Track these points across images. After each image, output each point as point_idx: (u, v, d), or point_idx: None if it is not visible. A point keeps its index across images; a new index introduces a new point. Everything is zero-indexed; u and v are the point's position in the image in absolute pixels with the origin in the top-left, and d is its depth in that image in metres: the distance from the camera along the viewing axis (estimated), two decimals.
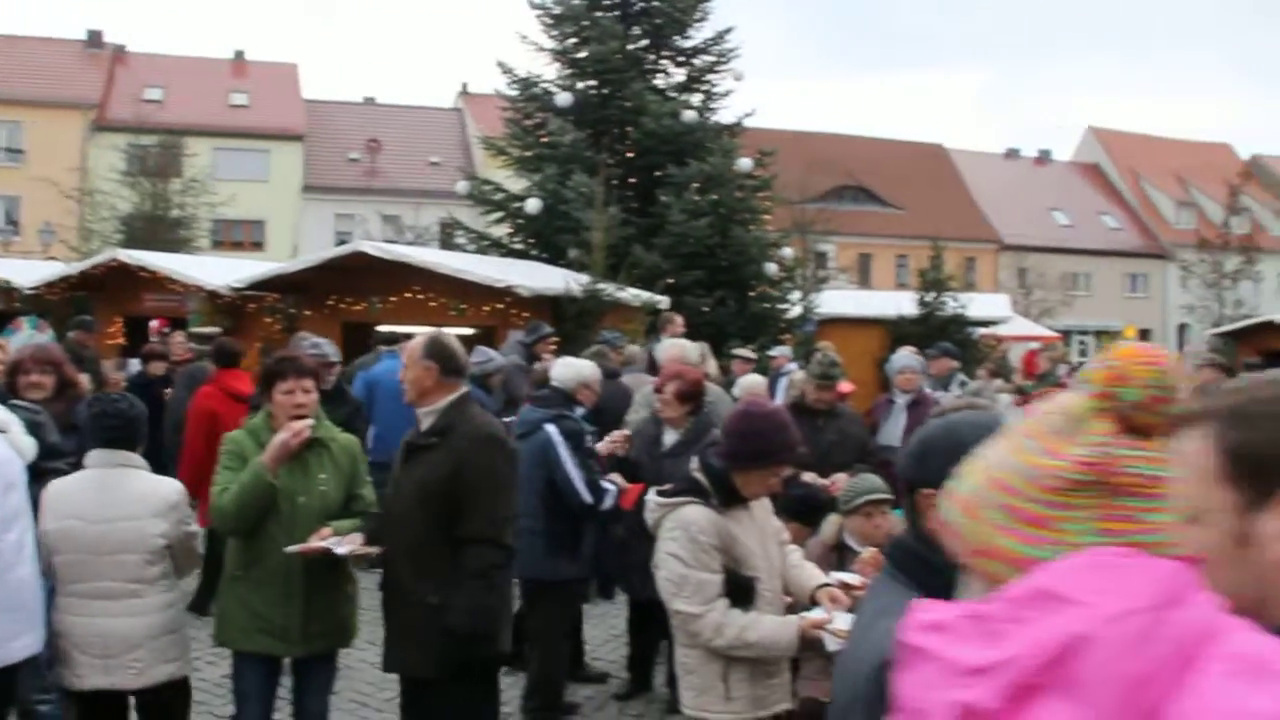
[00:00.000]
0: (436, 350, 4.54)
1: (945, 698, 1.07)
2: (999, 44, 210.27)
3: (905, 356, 8.65)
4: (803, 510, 5.37)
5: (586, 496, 5.92)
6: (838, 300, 24.90)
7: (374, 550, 4.53)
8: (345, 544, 4.49)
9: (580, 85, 18.46)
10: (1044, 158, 67.20)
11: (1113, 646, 1.03)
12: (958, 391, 8.99)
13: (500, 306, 12.62)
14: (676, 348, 8.11)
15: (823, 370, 7.49)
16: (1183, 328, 58.04)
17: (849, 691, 1.99)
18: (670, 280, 15.45)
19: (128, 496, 4.46)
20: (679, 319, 11.32)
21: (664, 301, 14.10)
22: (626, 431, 6.88)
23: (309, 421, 4.61)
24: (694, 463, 3.98)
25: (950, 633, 1.12)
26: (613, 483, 6.16)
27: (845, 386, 9.33)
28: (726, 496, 3.84)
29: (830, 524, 5.15)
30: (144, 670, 4.43)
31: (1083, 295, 57.36)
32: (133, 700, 4.66)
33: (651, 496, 4.03)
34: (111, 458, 4.49)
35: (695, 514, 3.79)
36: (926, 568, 2.09)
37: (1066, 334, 41.40)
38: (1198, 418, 1.25)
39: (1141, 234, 62.82)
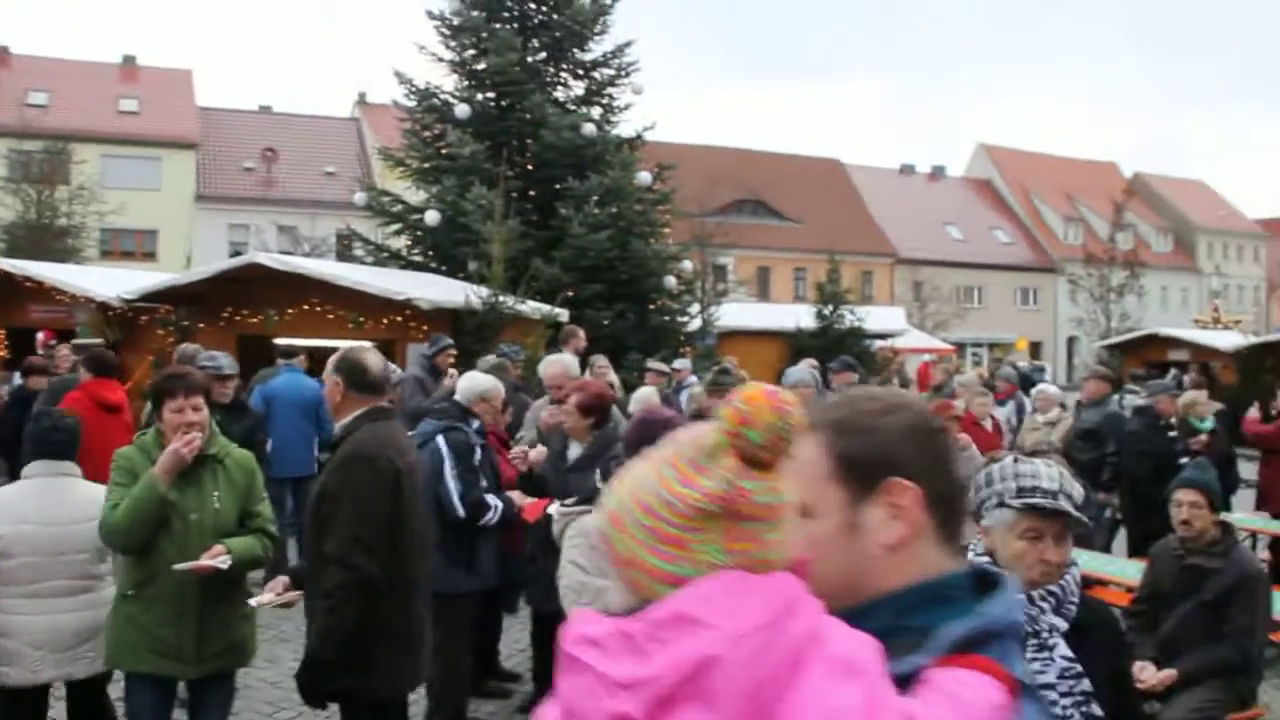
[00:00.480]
0: (344, 365, 4.51)
1: (599, 706, 1.25)
2: (895, 62, 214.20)
3: (799, 370, 8.75)
4: None
5: (459, 510, 5.89)
6: (737, 313, 25.16)
7: (294, 597, 4.46)
8: (264, 595, 4.51)
9: (479, 97, 18.39)
10: (938, 174, 68.61)
11: (738, 661, 1.23)
12: None
13: (399, 319, 12.51)
14: (558, 364, 8.10)
15: (714, 378, 7.60)
16: (1071, 340, 59.65)
17: None
18: (570, 293, 15.46)
19: (73, 501, 4.86)
20: (581, 332, 11.34)
21: (564, 314, 14.10)
22: (524, 448, 6.87)
23: (199, 434, 4.55)
24: (597, 475, 3.99)
25: (603, 648, 1.29)
26: (505, 499, 6.14)
27: None
28: None
29: None
30: (95, 659, 4.80)
31: (976, 308, 58.62)
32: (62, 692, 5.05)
33: (555, 508, 4.04)
34: (55, 468, 4.92)
35: (595, 523, 3.79)
36: None
37: (960, 346, 42.36)
38: (811, 428, 1.48)
39: (1032, 249, 64.43)
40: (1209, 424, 10.68)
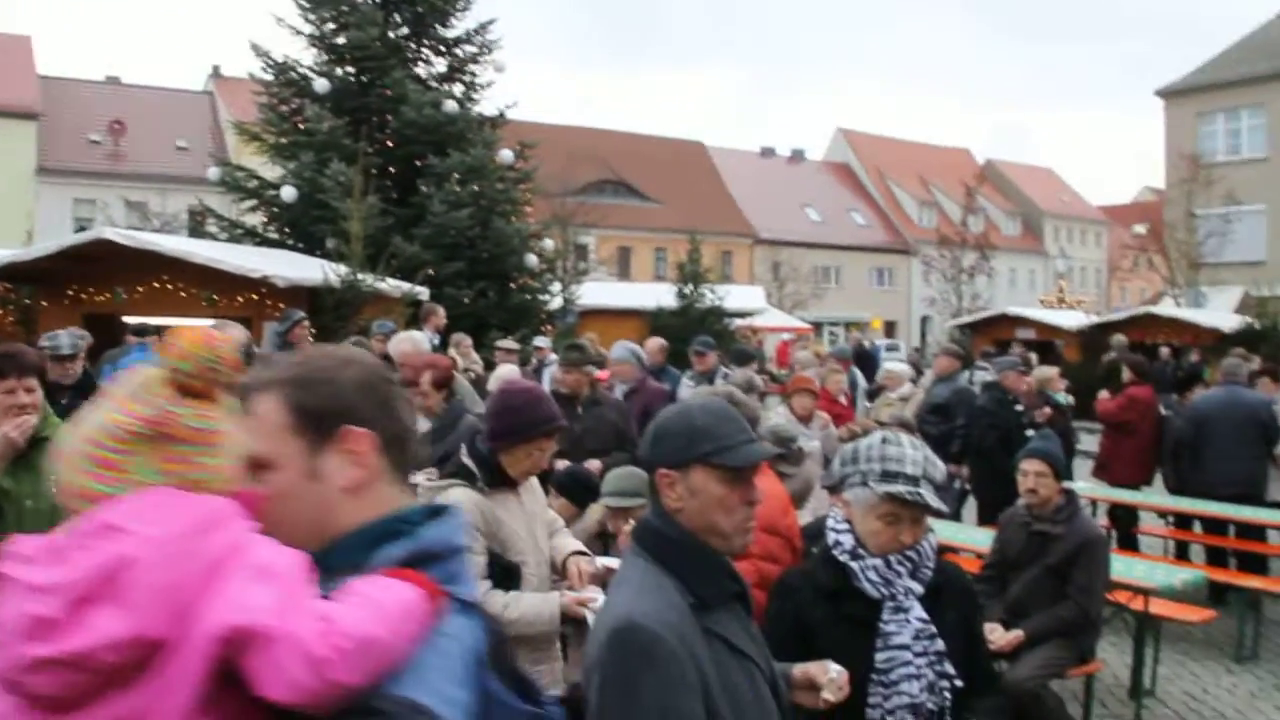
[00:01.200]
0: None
1: (18, 610, 1.31)
2: (759, 49, 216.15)
3: (618, 348, 8.90)
4: (573, 488, 5.47)
5: None
6: (598, 292, 25.26)
7: None
8: None
9: (339, 72, 18.11)
10: (797, 157, 69.57)
11: (153, 564, 1.33)
12: (720, 384, 9.26)
13: (255, 297, 12.27)
14: (408, 341, 8.09)
15: (565, 353, 7.66)
16: (925, 319, 61.10)
17: (588, 658, 2.17)
18: (431, 271, 15.34)
19: None
20: (440, 310, 11.29)
21: (424, 293, 13.99)
22: None
23: (31, 417, 4.38)
24: (463, 448, 4.01)
25: (31, 561, 1.36)
26: None
27: (601, 374, 9.50)
28: (493, 478, 3.87)
29: (595, 511, 5.26)
30: None
31: (833, 288, 59.70)
32: None
33: (419, 481, 4.05)
34: None
35: (459, 496, 3.80)
36: (664, 542, 2.26)
37: (818, 325, 43.09)
38: (268, 385, 1.59)
39: (888, 231, 65.82)
40: (1066, 399, 11.20)
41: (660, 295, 21.42)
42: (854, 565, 3.12)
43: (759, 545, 3.60)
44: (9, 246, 16.45)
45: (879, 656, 3.03)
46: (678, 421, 2.32)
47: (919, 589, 3.10)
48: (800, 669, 2.70)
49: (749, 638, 2.33)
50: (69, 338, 7.10)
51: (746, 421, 2.38)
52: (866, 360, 18.72)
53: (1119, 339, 19.80)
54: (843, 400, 11.12)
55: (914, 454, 3.08)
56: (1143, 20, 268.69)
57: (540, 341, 14.38)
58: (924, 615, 3.07)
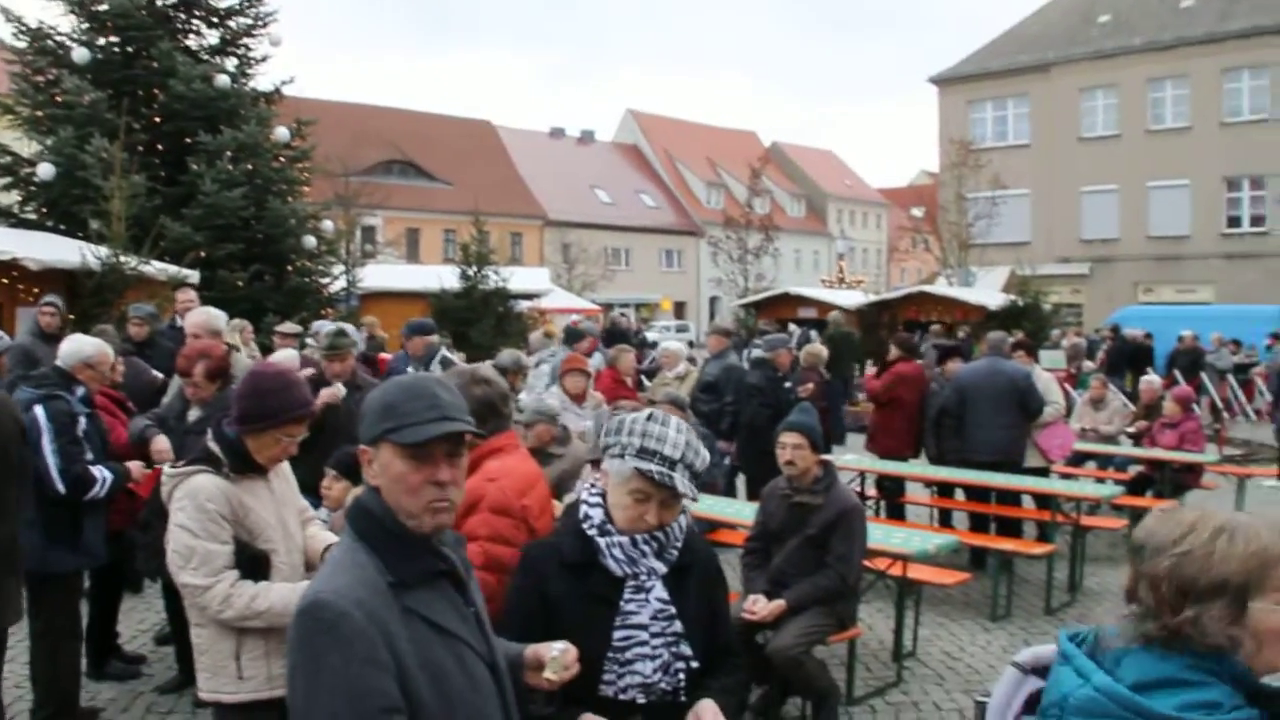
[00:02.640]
0: None
1: None
2: (549, 30, 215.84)
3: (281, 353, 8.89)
4: (352, 468, 5.34)
5: (59, 486, 5.56)
6: (383, 274, 24.84)
7: None
8: None
9: (101, 41, 17.12)
10: (587, 138, 69.87)
11: None
12: (436, 368, 9.24)
13: (5, 282, 11.55)
14: (204, 314, 7.75)
15: (329, 341, 7.47)
16: (714, 300, 62.29)
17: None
18: (202, 254, 14.73)
19: None
20: (191, 293, 10.80)
21: (193, 276, 13.44)
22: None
23: None
24: (209, 433, 3.84)
25: None
26: (115, 469, 5.82)
27: (384, 357, 9.32)
28: (240, 464, 3.74)
29: (357, 490, 5.15)
30: None
31: (623, 270, 60.23)
32: None
33: (166, 469, 3.88)
34: None
35: (204, 482, 3.68)
36: (367, 520, 2.26)
37: (609, 306, 43.30)
38: None
39: (677, 212, 66.80)
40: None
41: (445, 278, 21.13)
42: (600, 541, 3.10)
43: (487, 526, 3.55)
44: None
45: (616, 635, 3.03)
46: (374, 399, 2.33)
47: (662, 569, 3.10)
48: (531, 649, 2.68)
49: (459, 618, 2.29)
50: None
51: (452, 400, 2.32)
52: (621, 339, 18.90)
53: (835, 316, 20.70)
54: (628, 381, 11.23)
55: (676, 436, 3.07)
56: (921, 11, 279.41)
57: (318, 325, 13.98)
58: (665, 596, 3.08)
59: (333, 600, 2.05)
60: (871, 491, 10.81)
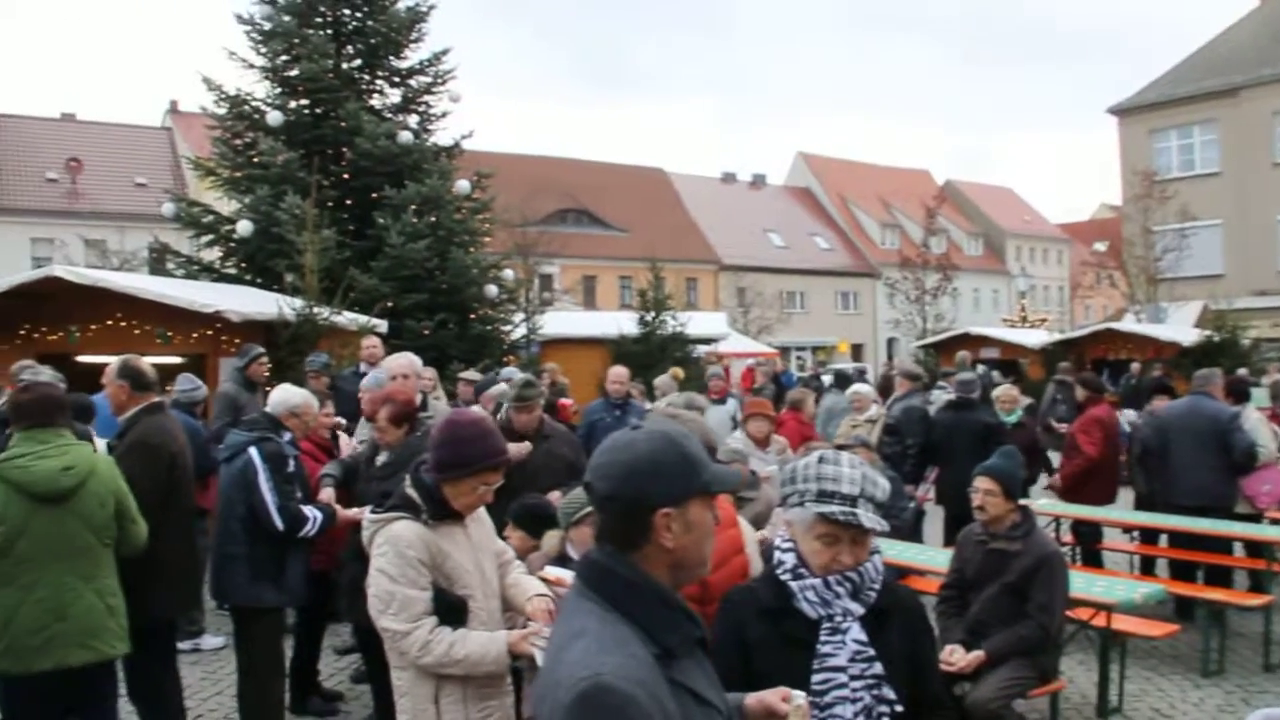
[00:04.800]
0: (128, 370, 5.74)
1: None
2: (720, 78, 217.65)
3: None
4: (529, 519, 5.39)
5: (278, 523, 5.74)
6: (562, 321, 25.17)
7: None
8: None
9: (292, 104, 17.97)
10: (759, 182, 69.85)
11: None
12: (663, 405, 9.20)
13: (209, 333, 12.08)
14: (405, 358, 7.91)
15: (517, 392, 7.46)
16: (891, 341, 61.35)
17: (547, 714, 1.97)
18: (389, 303, 15.19)
19: None
20: (374, 340, 11.07)
21: (382, 325, 13.83)
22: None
23: None
24: (406, 479, 3.90)
25: None
26: (325, 509, 5.99)
27: (565, 402, 9.38)
28: (438, 510, 3.77)
29: (552, 538, 5.18)
30: None
31: (799, 313, 59.86)
32: None
33: (365, 514, 3.94)
34: None
35: (404, 529, 3.72)
36: (624, 588, 2.07)
37: (785, 350, 43.10)
38: None
39: (851, 254, 66.11)
40: (1015, 417, 11.13)
41: (623, 323, 21.33)
42: (793, 585, 3.06)
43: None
44: None
45: (815, 678, 2.97)
46: (668, 452, 2.13)
47: (859, 610, 3.04)
48: (755, 699, 2.58)
49: (709, 684, 2.17)
50: (49, 376, 6.95)
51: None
52: (777, 384, 18.67)
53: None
54: (810, 424, 11.16)
55: (851, 473, 3.02)
56: (1089, 42, 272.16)
57: (512, 373, 14.22)
58: (862, 637, 3.01)
59: (617, 684, 1.89)
60: (1067, 537, 10.36)
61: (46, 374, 7.06)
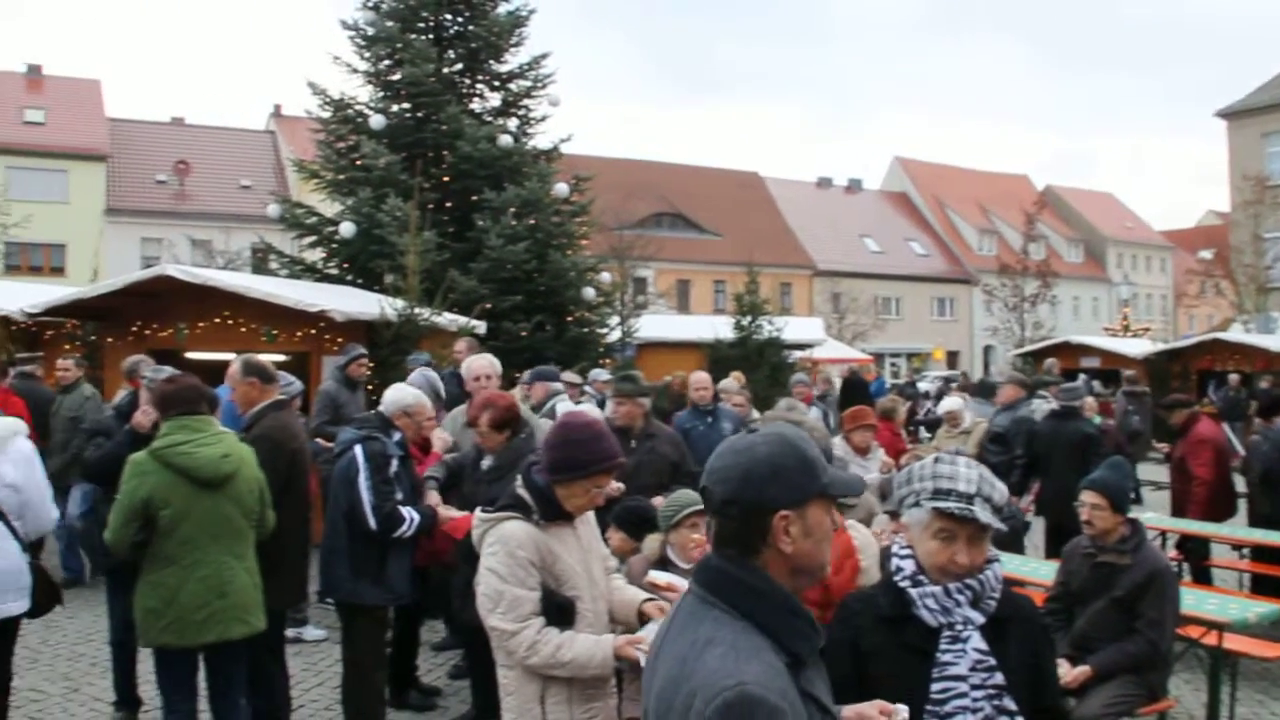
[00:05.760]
0: (253, 367, 6.06)
1: None
2: (815, 81, 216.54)
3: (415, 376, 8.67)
4: (630, 521, 5.41)
5: (371, 522, 5.80)
6: (656, 325, 25.21)
7: None
8: None
9: (394, 108, 18.26)
10: (854, 187, 69.32)
11: None
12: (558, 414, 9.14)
13: (313, 332, 12.31)
14: (484, 359, 7.97)
15: (618, 385, 7.52)
16: (988, 349, 60.50)
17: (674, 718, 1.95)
18: (488, 305, 15.34)
19: None
20: (466, 342, 11.16)
21: (480, 326, 13.97)
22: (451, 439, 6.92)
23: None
24: (518, 480, 3.92)
25: None
26: (424, 511, 6.06)
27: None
28: (549, 511, 3.79)
29: (653, 540, 5.19)
30: None
31: (894, 319, 59.30)
32: None
33: (477, 513, 3.97)
34: None
35: (514, 529, 3.74)
36: (753, 596, 2.05)
37: (879, 356, 42.72)
38: None
39: (947, 260, 65.32)
40: (1092, 424, 10.93)
41: (718, 327, 21.30)
42: (912, 592, 3.03)
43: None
44: (81, 286, 16.68)
45: (934, 687, 2.93)
46: (786, 456, 2.11)
47: (979, 619, 3.00)
48: (853, 711, 2.55)
49: (827, 691, 2.15)
50: (168, 374, 7.11)
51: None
52: (860, 391, 18.35)
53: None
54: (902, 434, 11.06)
55: (968, 472, 3.01)
56: (1192, 44, 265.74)
57: (595, 374, 14.30)
58: (983, 646, 2.97)
59: (764, 695, 1.86)
60: (1173, 553, 10.11)
61: (166, 371, 7.21)
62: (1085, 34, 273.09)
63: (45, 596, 5.52)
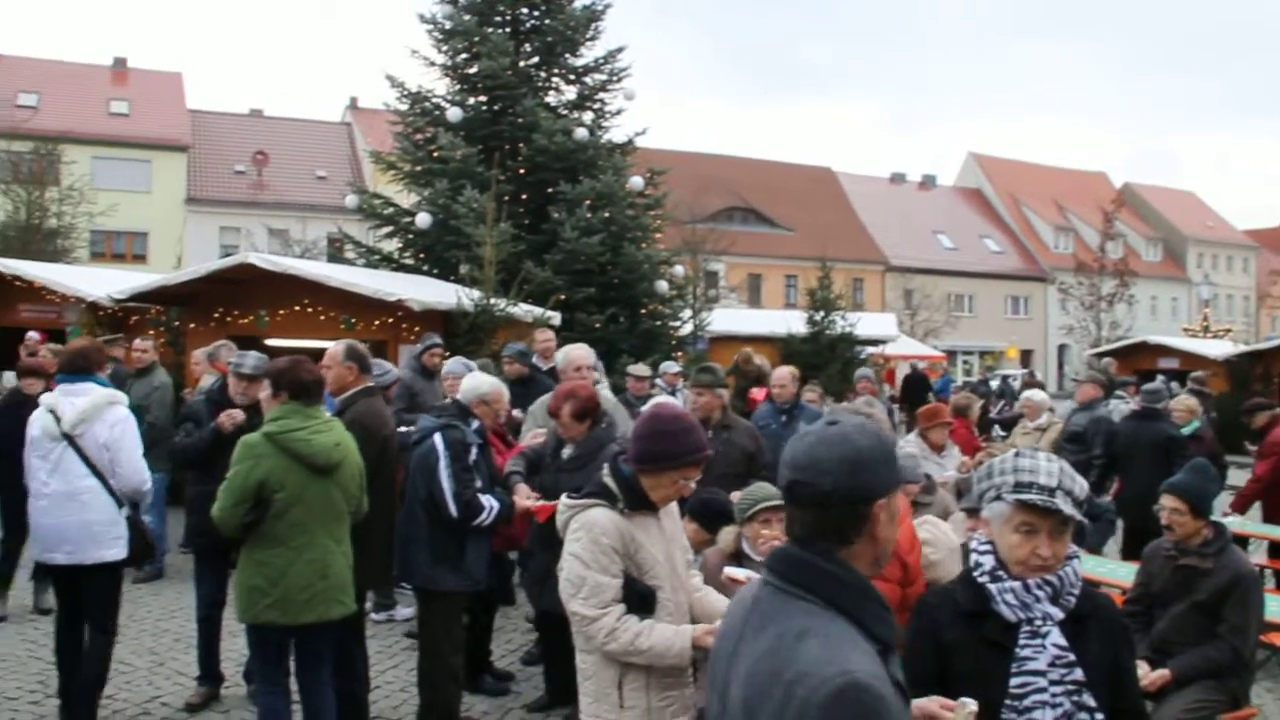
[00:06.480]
0: (354, 353, 6.22)
1: None
2: (889, 77, 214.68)
3: (452, 363, 8.64)
4: (706, 514, 5.42)
5: (453, 510, 5.87)
6: (728, 319, 25.18)
7: None
8: None
9: (471, 101, 18.40)
10: (928, 183, 68.68)
11: None
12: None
13: (391, 321, 12.48)
14: (582, 349, 8.01)
15: (696, 376, 7.54)
16: (1062, 348, 59.72)
17: (775, 711, 1.95)
18: (562, 296, 15.42)
19: None
20: (549, 333, 11.16)
21: (555, 317, 14.05)
22: (544, 432, 6.93)
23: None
24: (605, 468, 3.95)
25: None
26: (502, 499, 6.12)
27: (757, 394, 9.32)
28: (634, 500, 3.80)
29: (728, 533, 5.20)
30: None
31: (967, 316, 58.71)
32: None
33: (563, 499, 4.01)
34: None
35: (599, 516, 3.76)
36: (841, 586, 2.07)
37: (951, 353, 42.30)
38: None
39: (1022, 257, 64.53)
40: (1192, 428, 10.73)
41: (791, 322, 21.24)
42: (992, 587, 3.04)
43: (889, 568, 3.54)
44: (162, 273, 17.02)
45: (1013, 681, 2.93)
46: (875, 446, 2.15)
47: (1059, 614, 2.99)
48: (919, 706, 2.57)
49: (905, 679, 2.16)
50: (255, 359, 7.23)
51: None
52: (921, 388, 18.11)
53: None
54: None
55: (1049, 465, 3.01)
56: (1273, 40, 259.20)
57: (668, 366, 14.29)
58: (1062, 642, 2.96)
59: (870, 682, 1.89)
60: (1260, 559, 9.92)
61: (252, 356, 7.34)
62: (1165, 33, 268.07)
63: (141, 548, 6.22)
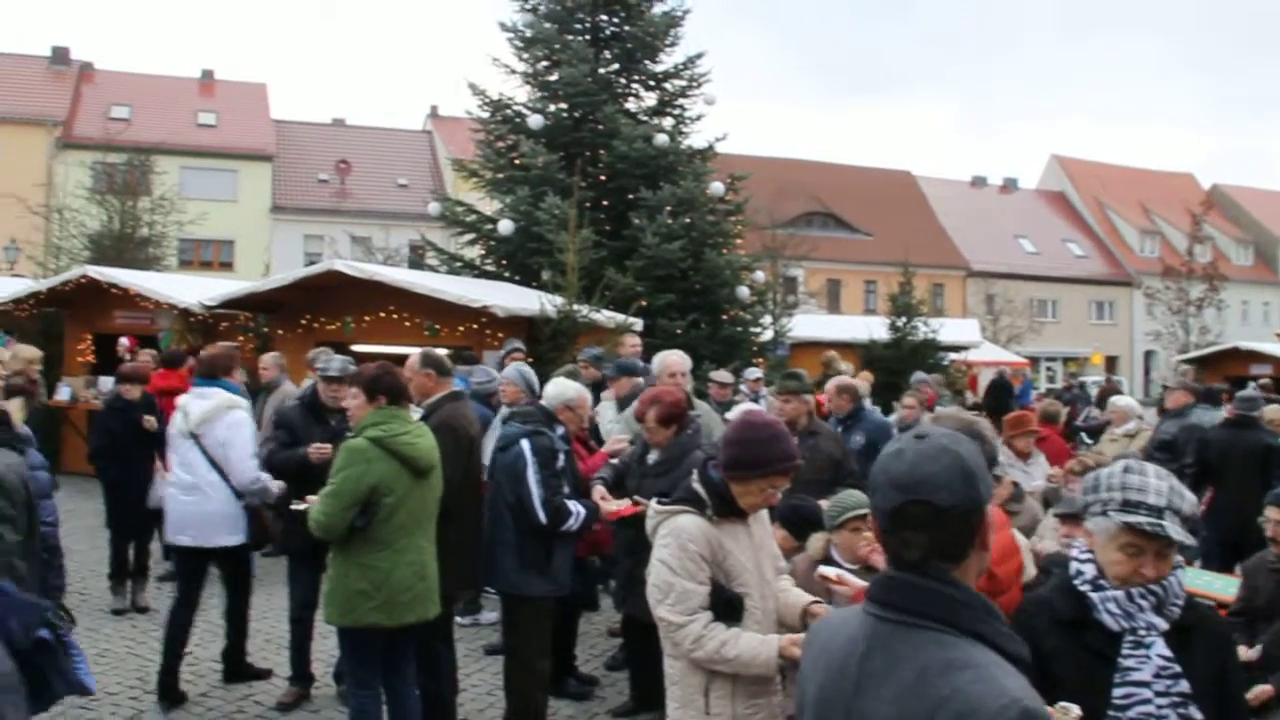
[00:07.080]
0: (433, 360, 6.33)
1: None
2: (969, 80, 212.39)
3: (509, 370, 8.51)
4: (795, 520, 5.41)
5: (541, 516, 5.91)
6: (809, 324, 25.07)
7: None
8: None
9: (552, 108, 18.51)
10: (1009, 186, 67.72)
11: None
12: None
13: (475, 327, 12.60)
14: (677, 355, 8.04)
15: (782, 382, 7.53)
16: (1149, 354, 58.59)
17: None
18: (643, 303, 15.45)
19: None
20: (635, 339, 11.16)
21: (638, 323, 14.07)
22: (628, 437, 6.95)
23: None
24: (694, 474, 3.95)
25: None
26: (588, 505, 6.15)
27: (822, 398, 9.26)
28: (723, 508, 3.80)
29: (817, 540, 5.17)
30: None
31: (1050, 321, 57.84)
32: None
33: (652, 504, 4.01)
34: None
35: (688, 523, 3.77)
36: (969, 611, 2.01)
37: (1034, 360, 41.69)
38: None
39: (1107, 261, 63.40)
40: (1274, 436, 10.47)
41: (872, 328, 21.09)
42: (1094, 596, 2.95)
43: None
44: (248, 280, 17.36)
45: (1116, 692, 2.86)
46: (976, 452, 2.11)
47: (1163, 625, 2.91)
48: None
49: None
50: (340, 362, 7.35)
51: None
52: (1005, 394, 17.70)
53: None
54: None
55: (1158, 484, 2.89)
56: None
57: (750, 373, 14.28)
58: (1167, 653, 2.88)
59: (1038, 708, 1.86)
60: None
61: (337, 359, 7.45)
62: (1250, 28, 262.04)
63: (259, 534, 7.10)
